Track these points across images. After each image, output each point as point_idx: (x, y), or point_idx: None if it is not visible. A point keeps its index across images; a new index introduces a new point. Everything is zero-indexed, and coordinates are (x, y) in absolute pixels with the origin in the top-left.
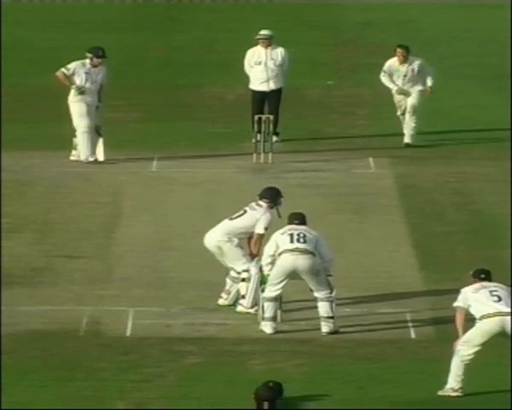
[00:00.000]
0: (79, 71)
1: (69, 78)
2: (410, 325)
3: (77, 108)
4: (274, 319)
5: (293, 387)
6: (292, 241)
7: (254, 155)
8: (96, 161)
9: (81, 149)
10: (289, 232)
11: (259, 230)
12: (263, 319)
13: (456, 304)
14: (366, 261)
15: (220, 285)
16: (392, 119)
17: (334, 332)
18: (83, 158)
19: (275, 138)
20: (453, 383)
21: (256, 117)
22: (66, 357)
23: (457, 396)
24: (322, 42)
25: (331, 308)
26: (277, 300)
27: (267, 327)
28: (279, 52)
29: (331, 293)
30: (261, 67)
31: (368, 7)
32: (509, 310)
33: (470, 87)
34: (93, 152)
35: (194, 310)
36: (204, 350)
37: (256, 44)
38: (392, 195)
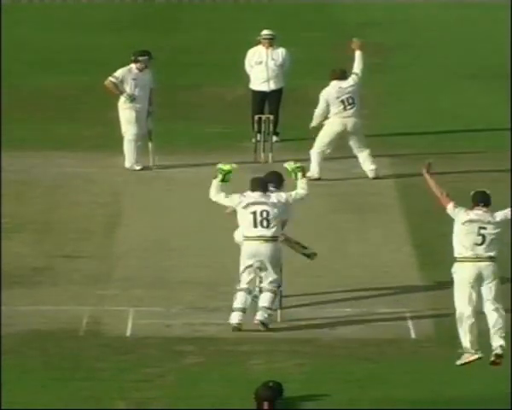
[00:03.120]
0: (127, 78)
1: (118, 86)
2: (410, 325)
3: (126, 114)
4: (243, 310)
5: (293, 387)
6: (255, 225)
7: (254, 154)
8: (141, 170)
9: (126, 157)
10: (252, 209)
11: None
12: (233, 310)
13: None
14: (366, 261)
15: (220, 285)
16: (392, 119)
17: (266, 324)
18: (128, 165)
19: (275, 138)
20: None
21: (256, 117)
22: (66, 357)
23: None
24: (322, 42)
25: (272, 300)
26: (251, 292)
27: (233, 317)
28: (280, 52)
29: (279, 287)
30: (261, 66)
31: (368, 7)
32: (487, 254)
33: (470, 87)
34: (138, 160)
35: (194, 310)
36: (204, 350)
37: (257, 44)
38: (392, 195)
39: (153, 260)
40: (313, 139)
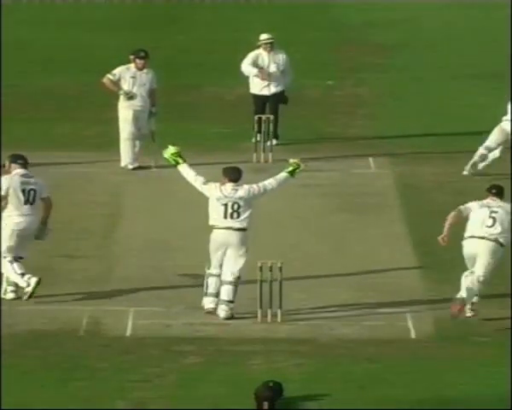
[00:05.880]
0: (125, 76)
1: (116, 83)
2: (410, 325)
3: (124, 113)
4: (216, 295)
5: (293, 387)
6: (225, 216)
7: (254, 154)
8: (136, 169)
9: (122, 156)
10: (223, 202)
11: None
12: (205, 294)
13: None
14: (366, 261)
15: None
16: (392, 119)
17: (230, 317)
18: (122, 164)
19: (274, 142)
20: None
21: (256, 117)
22: (66, 357)
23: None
24: (322, 42)
25: (234, 293)
26: (219, 276)
27: (207, 302)
28: (281, 57)
29: (239, 279)
30: (263, 71)
31: (368, 7)
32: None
33: (470, 87)
34: (134, 159)
35: (194, 310)
36: (204, 350)
37: (257, 48)
38: (392, 195)
39: (153, 260)
40: (311, 140)
